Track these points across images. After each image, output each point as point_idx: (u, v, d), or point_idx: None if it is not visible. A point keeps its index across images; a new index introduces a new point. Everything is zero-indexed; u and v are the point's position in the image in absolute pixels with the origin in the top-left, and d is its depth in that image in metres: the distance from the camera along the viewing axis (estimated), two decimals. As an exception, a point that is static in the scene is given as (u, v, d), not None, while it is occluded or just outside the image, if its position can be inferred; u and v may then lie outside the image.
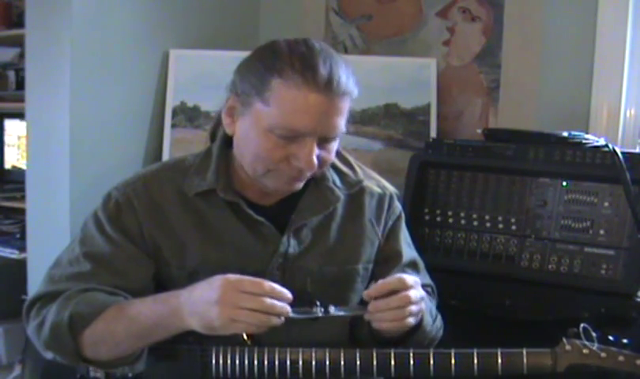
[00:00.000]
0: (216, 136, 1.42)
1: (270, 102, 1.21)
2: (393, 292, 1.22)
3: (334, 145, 1.29)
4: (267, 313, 1.14)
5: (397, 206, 1.49)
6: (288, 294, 1.17)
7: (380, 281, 1.24)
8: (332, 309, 1.22)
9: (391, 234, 1.46)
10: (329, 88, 1.20)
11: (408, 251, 1.48)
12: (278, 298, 1.16)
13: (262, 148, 1.24)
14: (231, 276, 1.16)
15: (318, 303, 1.21)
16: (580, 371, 1.22)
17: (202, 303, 1.16)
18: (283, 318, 1.17)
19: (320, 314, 1.21)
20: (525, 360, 1.24)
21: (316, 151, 1.23)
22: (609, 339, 1.23)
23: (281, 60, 1.22)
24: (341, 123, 1.25)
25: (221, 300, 1.13)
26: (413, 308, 1.23)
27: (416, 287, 1.25)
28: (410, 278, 1.25)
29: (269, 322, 1.15)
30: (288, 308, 1.17)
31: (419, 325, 1.32)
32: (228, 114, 1.31)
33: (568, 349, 1.23)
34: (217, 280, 1.16)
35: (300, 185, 1.32)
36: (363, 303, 1.25)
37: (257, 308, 1.14)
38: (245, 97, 1.26)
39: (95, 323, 1.23)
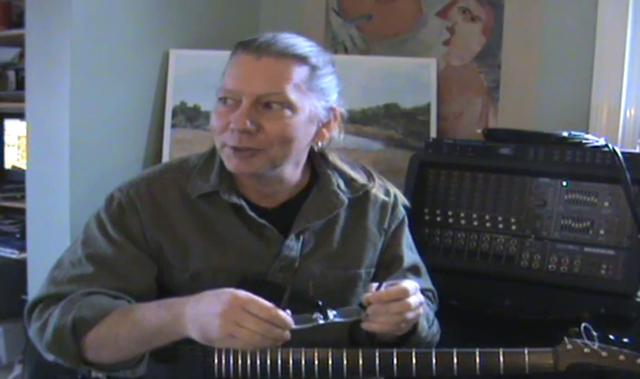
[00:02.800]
0: None
1: (222, 77, 1.30)
2: (394, 299, 1.22)
3: (278, 117, 1.26)
4: (264, 337, 1.13)
5: (400, 210, 1.48)
6: (291, 323, 1.15)
7: (383, 290, 1.23)
8: (331, 315, 1.21)
9: (393, 239, 1.46)
10: (259, 48, 1.25)
11: (410, 255, 1.48)
12: (282, 326, 1.14)
13: (212, 120, 1.30)
14: (241, 293, 1.15)
15: (318, 313, 1.19)
16: (581, 370, 1.23)
17: (206, 314, 1.15)
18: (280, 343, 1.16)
19: (321, 321, 1.19)
20: (526, 359, 1.24)
21: (246, 114, 1.24)
22: (610, 339, 1.24)
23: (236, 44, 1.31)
24: (274, 85, 1.25)
25: (225, 314, 1.12)
26: (410, 315, 1.23)
27: (415, 294, 1.25)
28: (411, 285, 1.25)
29: (266, 346, 1.14)
30: (288, 335, 1.15)
31: (414, 330, 1.32)
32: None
33: (569, 348, 1.24)
34: (226, 294, 1.15)
35: (245, 164, 1.28)
36: (361, 306, 1.24)
37: (258, 331, 1.12)
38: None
39: (98, 327, 1.22)
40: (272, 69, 1.25)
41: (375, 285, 1.26)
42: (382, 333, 1.26)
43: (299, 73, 1.27)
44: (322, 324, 1.20)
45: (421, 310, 1.28)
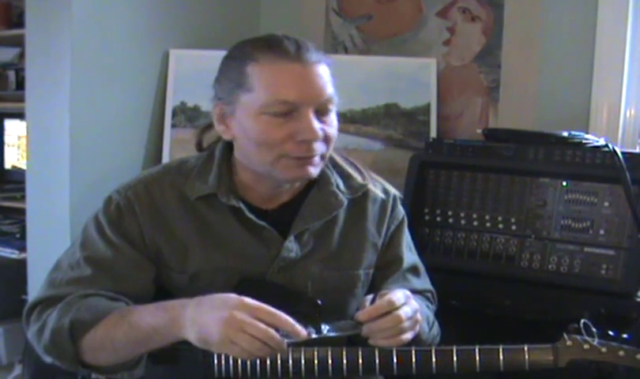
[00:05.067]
0: (202, 146, 1.43)
1: (252, 86, 1.25)
2: (385, 313, 1.21)
3: (333, 119, 1.29)
4: (265, 344, 1.12)
5: (400, 210, 1.48)
6: (303, 332, 1.15)
7: (371, 306, 1.22)
8: (324, 330, 1.21)
9: (392, 239, 1.45)
10: (299, 56, 1.25)
11: (410, 256, 1.48)
12: (291, 332, 1.14)
13: (261, 132, 1.25)
14: (249, 300, 1.14)
15: (312, 328, 1.19)
16: (581, 366, 1.23)
17: (210, 317, 1.14)
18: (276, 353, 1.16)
19: (314, 336, 1.19)
20: (526, 356, 1.24)
21: (317, 123, 1.25)
22: (609, 335, 1.24)
23: (248, 48, 1.28)
24: (329, 90, 1.27)
25: (229, 319, 1.12)
26: (406, 324, 1.22)
27: (407, 303, 1.24)
28: (400, 295, 1.24)
29: (262, 354, 1.14)
30: (285, 345, 1.15)
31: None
32: (220, 122, 1.33)
33: (569, 344, 1.24)
34: (233, 300, 1.15)
35: (313, 170, 1.29)
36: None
37: (260, 337, 1.11)
38: (228, 97, 1.29)
39: (95, 329, 1.22)
40: (322, 74, 1.27)
41: (369, 298, 1.26)
42: (389, 347, 1.25)
43: (330, 73, 1.30)
44: (315, 339, 1.19)
45: (419, 317, 1.27)
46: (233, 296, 1.16)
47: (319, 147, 1.27)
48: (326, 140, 1.28)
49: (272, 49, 1.25)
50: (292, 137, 1.24)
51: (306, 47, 1.27)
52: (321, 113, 1.27)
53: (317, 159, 1.29)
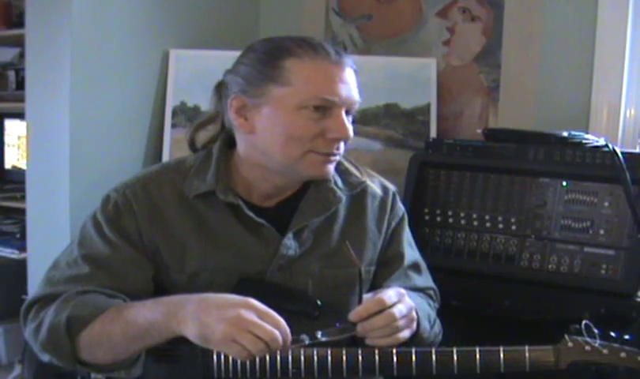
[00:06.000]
0: (195, 145, 1.42)
1: (290, 81, 1.26)
2: (377, 312, 1.21)
3: (349, 121, 1.32)
4: (267, 345, 1.12)
5: (400, 207, 1.48)
6: (287, 345, 1.15)
7: (360, 306, 1.23)
8: (319, 335, 1.21)
9: (393, 236, 1.46)
10: (340, 58, 1.28)
11: (411, 253, 1.48)
12: (283, 337, 1.14)
13: (296, 127, 1.26)
14: (256, 302, 1.14)
15: (305, 335, 1.19)
16: (581, 368, 1.23)
17: (214, 314, 1.13)
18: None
19: (307, 342, 1.19)
20: (527, 357, 1.24)
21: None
22: (611, 336, 1.24)
23: (285, 43, 1.29)
24: (357, 94, 1.31)
25: (236, 319, 1.11)
26: (401, 322, 1.22)
27: (401, 301, 1.24)
28: (392, 293, 1.24)
29: (261, 353, 1.13)
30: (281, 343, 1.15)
31: (415, 332, 1.31)
32: (239, 115, 1.31)
33: (570, 346, 1.24)
34: (240, 300, 1.14)
35: (331, 169, 1.32)
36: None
37: (264, 338, 1.11)
38: (254, 89, 1.28)
39: (92, 325, 1.21)
40: (354, 80, 1.31)
41: (366, 296, 1.26)
42: (387, 346, 1.25)
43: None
44: (309, 345, 1.20)
45: (414, 314, 1.27)
46: (239, 297, 1.15)
47: (342, 146, 1.31)
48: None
49: (315, 48, 1.27)
50: (323, 134, 1.27)
51: (339, 49, 1.31)
52: (347, 115, 1.30)
53: (337, 157, 1.32)
